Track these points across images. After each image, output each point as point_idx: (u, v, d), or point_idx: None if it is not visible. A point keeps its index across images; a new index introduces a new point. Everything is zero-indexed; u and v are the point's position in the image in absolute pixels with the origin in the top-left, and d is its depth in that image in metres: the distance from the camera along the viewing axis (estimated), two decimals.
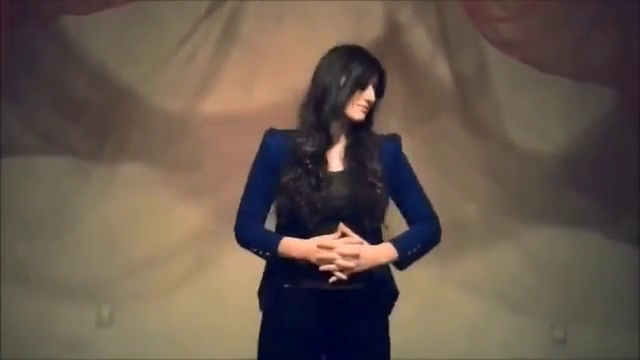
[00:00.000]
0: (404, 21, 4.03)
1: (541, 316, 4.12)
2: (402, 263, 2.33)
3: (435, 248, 4.01)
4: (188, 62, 3.96)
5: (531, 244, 4.14)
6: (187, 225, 4.01)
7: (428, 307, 4.03)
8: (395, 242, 2.32)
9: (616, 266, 4.17)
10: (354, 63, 2.33)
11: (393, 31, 4.01)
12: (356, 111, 2.34)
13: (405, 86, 4.03)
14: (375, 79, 2.36)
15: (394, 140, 2.44)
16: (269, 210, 2.37)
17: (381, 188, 2.31)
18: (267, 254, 2.32)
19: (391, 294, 2.42)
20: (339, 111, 2.32)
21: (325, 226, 2.27)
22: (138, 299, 4.00)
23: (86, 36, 3.97)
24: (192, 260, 4.03)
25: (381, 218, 2.34)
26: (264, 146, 2.38)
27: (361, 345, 2.35)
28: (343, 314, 2.32)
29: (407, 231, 2.39)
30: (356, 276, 2.27)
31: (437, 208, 4.03)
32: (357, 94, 2.32)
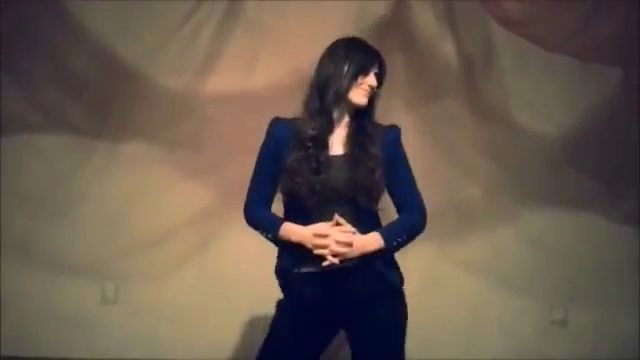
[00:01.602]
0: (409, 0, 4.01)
1: (541, 297, 4.13)
2: (387, 251, 2.49)
3: (436, 229, 4.04)
4: (191, 40, 3.93)
5: (532, 225, 4.15)
6: (189, 203, 4.01)
7: (429, 287, 4.04)
8: (383, 232, 2.47)
9: (617, 248, 4.17)
10: (356, 52, 2.47)
11: (398, 10, 3.98)
12: (359, 95, 2.47)
13: (409, 66, 4.01)
14: (376, 68, 2.49)
15: (394, 130, 2.55)
16: (275, 193, 2.51)
17: (380, 173, 2.43)
18: (269, 236, 2.48)
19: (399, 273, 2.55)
20: (342, 96, 2.45)
21: (323, 207, 2.40)
22: (142, 277, 4.00)
23: (88, 13, 3.94)
24: (195, 238, 4.03)
25: (377, 201, 2.47)
26: (269, 134, 2.52)
27: (376, 320, 2.48)
28: (349, 289, 2.44)
29: (395, 221, 2.54)
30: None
31: (439, 189, 4.04)
32: (359, 79, 2.45)
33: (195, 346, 3.94)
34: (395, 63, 3.89)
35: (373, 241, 2.44)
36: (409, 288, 3.96)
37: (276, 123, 2.51)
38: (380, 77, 2.51)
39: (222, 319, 3.90)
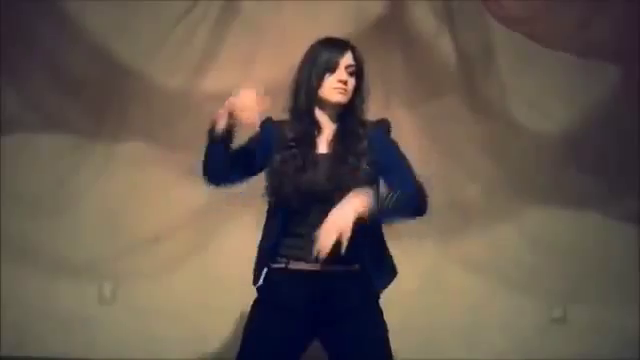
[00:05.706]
0: None
1: (541, 295, 4.13)
2: (380, 210, 2.26)
3: (436, 227, 4.04)
4: (188, 39, 3.94)
5: (532, 224, 4.14)
6: (187, 202, 4.00)
7: (428, 285, 4.04)
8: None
9: (616, 246, 4.17)
10: (321, 50, 2.43)
11: (396, 8, 3.98)
12: (333, 93, 2.41)
13: (408, 64, 4.01)
14: (347, 59, 2.43)
15: (380, 123, 2.49)
16: (237, 162, 2.48)
17: (365, 170, 2.37)
18: (209, 143, 2.49)
19: (387, 274, 2.47)
20: (313, 94, 2.41)
21: (309, 206, 2.37)
22: (140, 276, 4.00)
23: (85, 13, 3.94)
24: (193, 237, 4.03)
25: None
26: (260, 127, 2.49)
27: (357, 327, 2.40)
28: (332, 295, 2.38)
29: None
30: (343, 257, 2.28)
31: (439, 187, 4.01)
32: (329, 77, 2.40)
33: (194, 345, 3.94)
34: (393, 62, 3.90)
35: (355, 198, 2.22)
36: (409, 287, 3.97)
37: (268, 121, 2.49)
38: (357, 71, 2.43)
39: (221, 318, 3.89)
